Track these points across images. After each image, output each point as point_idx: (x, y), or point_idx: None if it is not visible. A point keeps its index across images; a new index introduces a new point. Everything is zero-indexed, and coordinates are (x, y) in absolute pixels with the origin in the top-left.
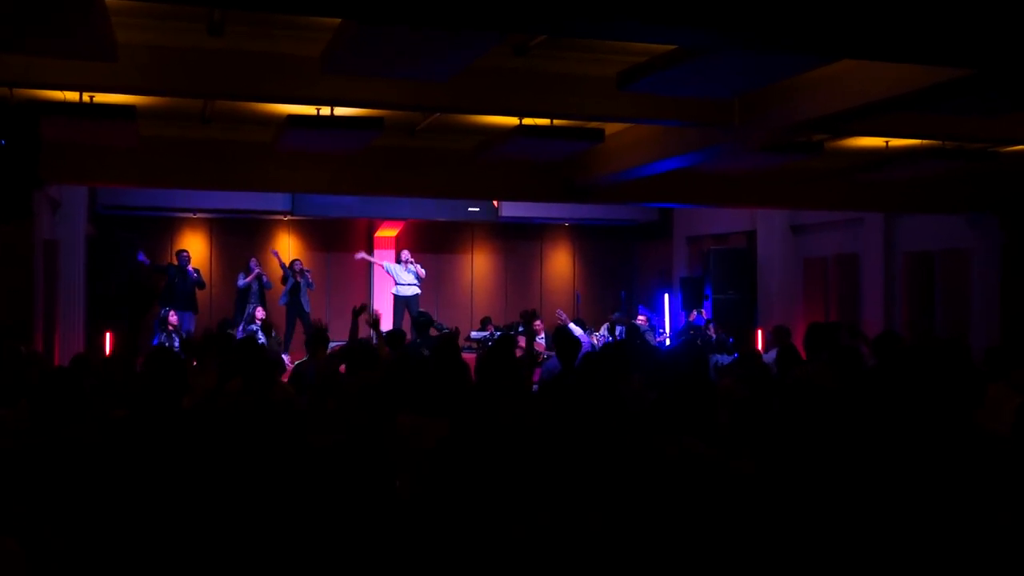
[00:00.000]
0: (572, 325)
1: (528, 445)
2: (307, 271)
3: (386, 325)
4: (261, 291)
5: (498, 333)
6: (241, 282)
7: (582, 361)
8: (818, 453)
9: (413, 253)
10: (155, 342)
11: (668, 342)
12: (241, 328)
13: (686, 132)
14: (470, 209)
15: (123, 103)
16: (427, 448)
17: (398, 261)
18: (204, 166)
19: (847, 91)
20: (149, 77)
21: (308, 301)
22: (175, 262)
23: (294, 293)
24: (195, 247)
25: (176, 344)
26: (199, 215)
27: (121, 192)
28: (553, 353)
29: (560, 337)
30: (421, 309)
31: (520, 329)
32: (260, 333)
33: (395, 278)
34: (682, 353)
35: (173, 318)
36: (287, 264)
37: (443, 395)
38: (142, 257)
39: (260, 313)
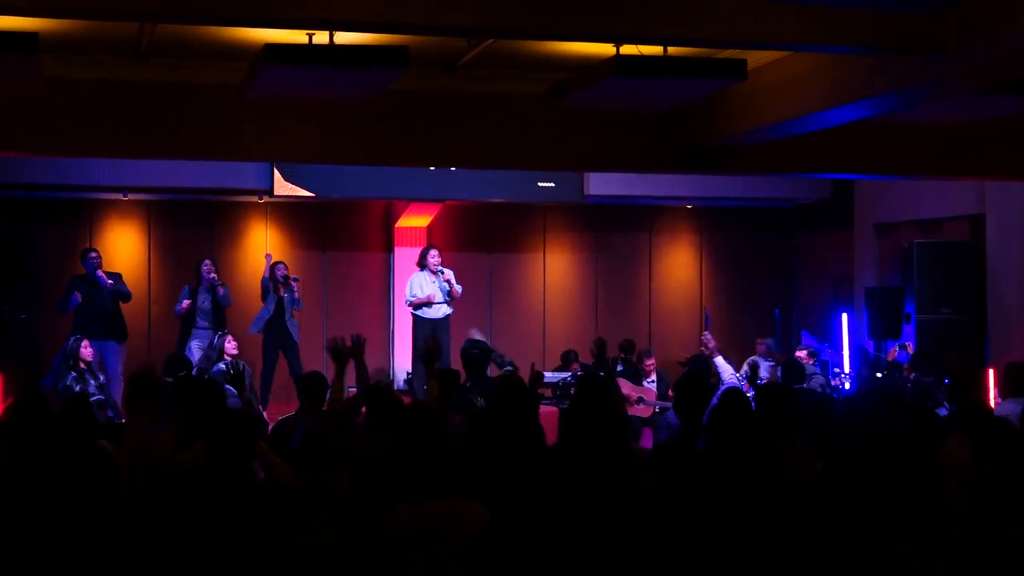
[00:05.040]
0: (721, 361)
1: (634, 546)
2: (293, 281)
3: (403, 358)
4: (216, 309)
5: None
6: (179, 308)
7: (712, 416)
8: None
9: (452, 253)
10: (56, 385)
11: (848, 386)
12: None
13: (873, 63)
14: (541, 185)
15: (21, 29)
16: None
17: (422, 266)
18: (139, 124)
19: None
20: None
21: (297, 327)
22: (82, 270)
23: (278, 315)
24: (126, 243)
25: (92, 389)
26: (131, 196)
27: (17, 164)
28: (669, 405)
29: (686, 379)
30: (477, 337)
31: (620, 368)
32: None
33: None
34: (869, 406)
35: (86, 351)
36: (268, 273)
37: (498, 471)
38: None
39: (231, 347)
